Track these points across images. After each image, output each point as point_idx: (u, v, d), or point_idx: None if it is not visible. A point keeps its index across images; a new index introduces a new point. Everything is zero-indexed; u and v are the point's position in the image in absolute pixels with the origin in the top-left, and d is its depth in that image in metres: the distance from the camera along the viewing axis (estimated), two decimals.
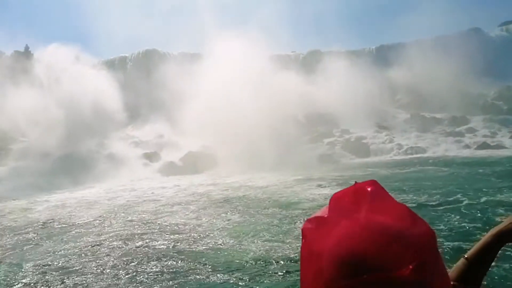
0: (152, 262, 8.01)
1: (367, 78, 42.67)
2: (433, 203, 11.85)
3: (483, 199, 11.66)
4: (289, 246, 8.44)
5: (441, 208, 11.22)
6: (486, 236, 1.17)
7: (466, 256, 1.13)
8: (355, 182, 0.93)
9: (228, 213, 12.57)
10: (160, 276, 7.26)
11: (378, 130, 35.27)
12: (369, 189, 0.90)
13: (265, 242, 8.89)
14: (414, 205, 11.78)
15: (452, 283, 0.98)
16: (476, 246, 1.15)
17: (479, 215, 10.01)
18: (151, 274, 7.38)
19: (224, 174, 25.04)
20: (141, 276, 7.29)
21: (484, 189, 13.22)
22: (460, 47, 45.37)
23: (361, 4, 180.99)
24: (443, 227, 9.16)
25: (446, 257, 7.50)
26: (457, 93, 39.60)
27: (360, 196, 0.88)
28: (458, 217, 10.01)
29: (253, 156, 26.89)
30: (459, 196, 12.49)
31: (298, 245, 7.87)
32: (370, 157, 29.75)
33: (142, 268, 7.70)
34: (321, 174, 21.06)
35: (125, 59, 47.93)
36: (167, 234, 10.20)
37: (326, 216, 0.89)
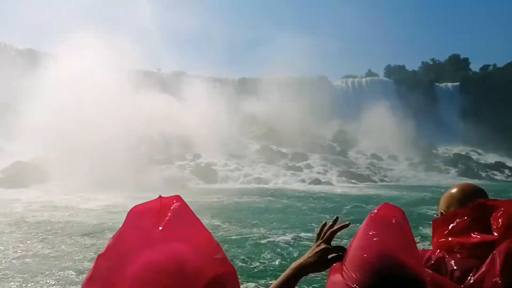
0: None
1: (227, 106, 44.25)
2: (256, 236, 12.30)
3: (302, 234, 12.56)
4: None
5: (264, 241, 11.63)
6: (286, 271, 1.27)
7: None
8: (160, 195, 0.86)
9: (28, 241, 10.94)
10: None
11: (229, 158, 36.51)
12: (173, 207, 0.84)
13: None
14: (238, 237, 12.07)
15: None
16: (277, 281, 1.23)
17: (291, 249, 10.68)
18: None
19: (55, 191, 22.32)
20: None
21: (310, 224, 14.32)
22: (309, 90, 50.90)
23: (231, 34, 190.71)
24: (257, 263, 9.40)
25: None
26: (303, 131, 43.93)
27: (163, 215, 0.80)
28: (273, 253, 10.44)
29: (95, 173, 24.74)
30: (284, 229, 13.29)
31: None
32: (217, 183, 30.36)
33: None
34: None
35: None
36: None
37: (122, 246, 0.80)
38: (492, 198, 1.35)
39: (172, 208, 0.83)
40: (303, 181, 31.96)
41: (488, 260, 1.15)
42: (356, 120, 50.27)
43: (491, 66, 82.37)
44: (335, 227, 1.32)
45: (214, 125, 38.82)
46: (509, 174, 46.00)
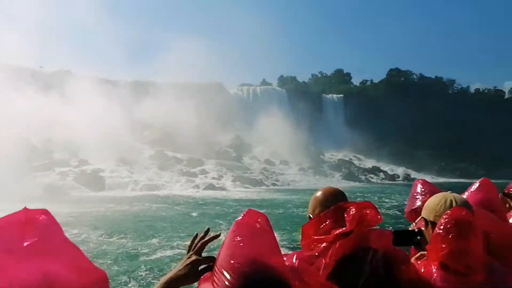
0: None
1: (119, 110, 41.95)
2: (139, 248, 11.68)
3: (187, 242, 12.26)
4: None
5: (145, 255, 11.03)
6: (156, 286, 1.23)
7: None
8: (25, 207, 0.82)
9: None
10: None
11: (119, 164, 34.54)
12: (39, 220, 0.80)
13: None
14: (118, 250, 11.33)
15: None
16: None
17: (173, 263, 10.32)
18: None
19: None
20: None
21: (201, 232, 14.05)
22: (206, 96, 50.98)
23: (128, 36, 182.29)
24: (134, 280, 8.82)
25: None
26: (199, 137, 43.66)
27: (28, 230, 0.77)
28: (154, 266, 9.96)
29: None
30: (170, 239, 12.83)
31: None
32: (104, 191, 28.40)
33: None
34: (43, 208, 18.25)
35: None
36: None
37: None
38: (360, 199, 1.53)
39: (37, 221, 0.76)
40: (197, 187, 31.66)
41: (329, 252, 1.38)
42: (251, 127, 51.77)
43: (369, 81, 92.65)
44: (206, 238, 1.34)
45: (103, 129, 36.40)
46: (383, 177, 51.79)
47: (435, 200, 1.60)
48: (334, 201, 1.53)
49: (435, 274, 1.40)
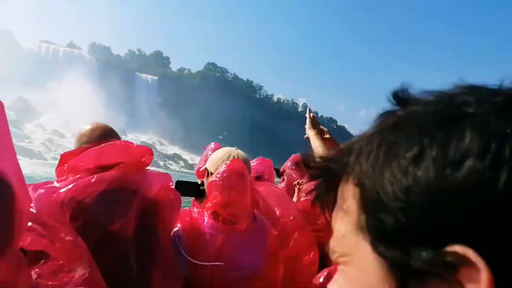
0: None
1: None
2: None
3: None
4: None
5: None
6: None
7: None
8: None
9: None
10: None
11: None
12: None
13: None
14: None
15: None
16: None
17: None
18: None
19: None
20: None
21: None
22: None
23: None
24: None
25: None
26: None
27: None
28: None
29: None
30: None
31: None
32: None
33: None
34: None
35: None
36: None
37: None
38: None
39: None
40: None
41: None
42: (43, 90, 44.75)
43: (187, 70, 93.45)
44: None
45: None
46: (183, 165, 52.35)
47: (219, 153, 1.62)
48: (105, 135, 1.34)
49: (205, 222, 1.43)
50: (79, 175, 1.18)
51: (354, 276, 0.33)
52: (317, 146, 1.71)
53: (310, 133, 1.81)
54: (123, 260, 1.18)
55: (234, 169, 1.48)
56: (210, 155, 1.86)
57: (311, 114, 1.87)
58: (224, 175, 1.46)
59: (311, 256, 1.73)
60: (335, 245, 0.35)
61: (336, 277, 0.34)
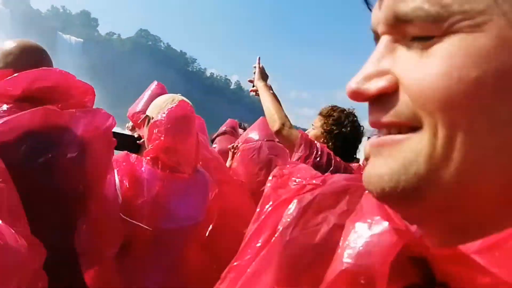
0: None
1: None
2: None
3: None
4: None
5: None
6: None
7: None
8: None
9: None
10: None
11: None
12: None
13: None
14: None
15: None
16: None
17: None
18: None
19: None
20: None
21: None
22: None
23: None
24: None
25: None
26: None
27: None
28: None
29: None
30: None
31: None
32: None
33: None
34: None
35: None
36: None
37: None
38: None
39: None
40: None
41: None
42: None
43: (116, 35, 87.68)
44: None
45: None
46: None
47: (162, 98, 1.47)
48: (39, 59, 1.11)
49: (144, 168, 1.31)
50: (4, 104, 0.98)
51: (479, 45, 0.22)
52: (266, 98, 1.61)
53: (259, 84, 1.68)
54: (48, 205, 1.01)
55: (182, 111, 1.37)
56: (149, 96, 1.69)
57: (261, 65, 1.76)
58: (170, 115, 1.34)
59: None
60: None
61: (437, 48, 0.24)
